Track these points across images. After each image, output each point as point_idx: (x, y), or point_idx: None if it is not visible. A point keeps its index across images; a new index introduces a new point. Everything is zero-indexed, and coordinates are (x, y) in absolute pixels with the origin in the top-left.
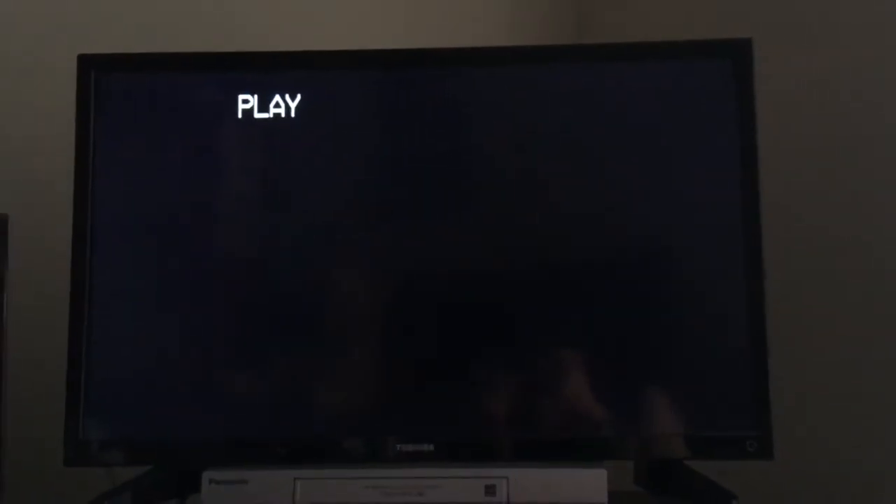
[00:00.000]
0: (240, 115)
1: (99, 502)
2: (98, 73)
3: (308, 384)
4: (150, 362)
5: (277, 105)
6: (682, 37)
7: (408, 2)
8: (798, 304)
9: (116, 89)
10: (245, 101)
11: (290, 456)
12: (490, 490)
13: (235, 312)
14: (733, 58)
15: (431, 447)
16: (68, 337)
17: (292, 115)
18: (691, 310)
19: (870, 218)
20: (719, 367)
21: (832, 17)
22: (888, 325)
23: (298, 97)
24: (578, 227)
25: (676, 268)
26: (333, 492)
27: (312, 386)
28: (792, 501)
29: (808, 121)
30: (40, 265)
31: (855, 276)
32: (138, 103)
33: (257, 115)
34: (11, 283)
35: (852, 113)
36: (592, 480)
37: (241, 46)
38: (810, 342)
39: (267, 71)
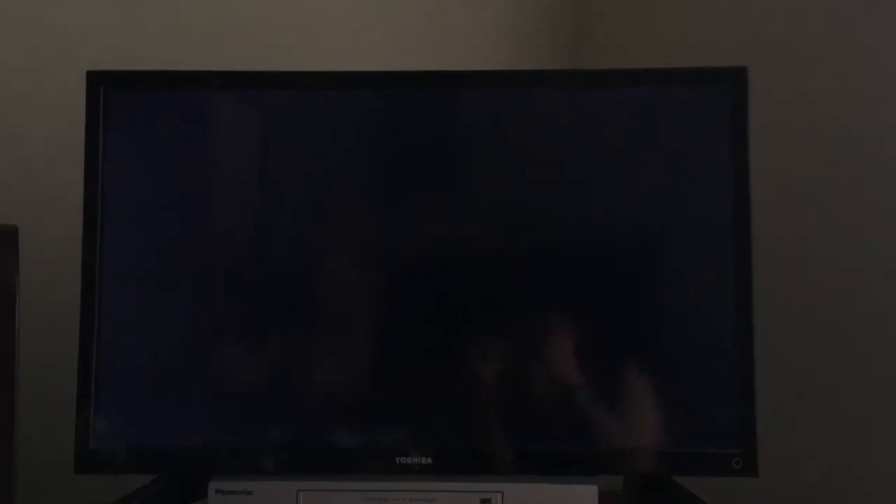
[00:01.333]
0: (242, 129)
1: None
2: (107, 89)
3: (313, 398)
4: (159, 372)
5: (279, 121)
6: (679, 60)
7: (407, 25)
8: (785, 320)
9: (124, 104)
10: (247, 117)
11: (294, 467)
12: (486, 503)
13: (241, 322)
14: (729, 85)
15: (430, 460)
16: (79, 347)
17: (292, 130)
18: (681, 328)
19: (861, 237)
20: (706, 384)
21: (830, 39)
22: (876, 341)
23: (299, 114)
24: (569, 248)
25: (666, 287)
26: (335, 503)
27: (317, 400)
28: None
29: (802, 137)
30: (49, 276)
31: (844, 292)
32: (145, 118)
33: (260, 130)
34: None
35: (846, 127)
36: (584, 496)
37: (245, 66)
38: (797, 359)
39: (269, 89)
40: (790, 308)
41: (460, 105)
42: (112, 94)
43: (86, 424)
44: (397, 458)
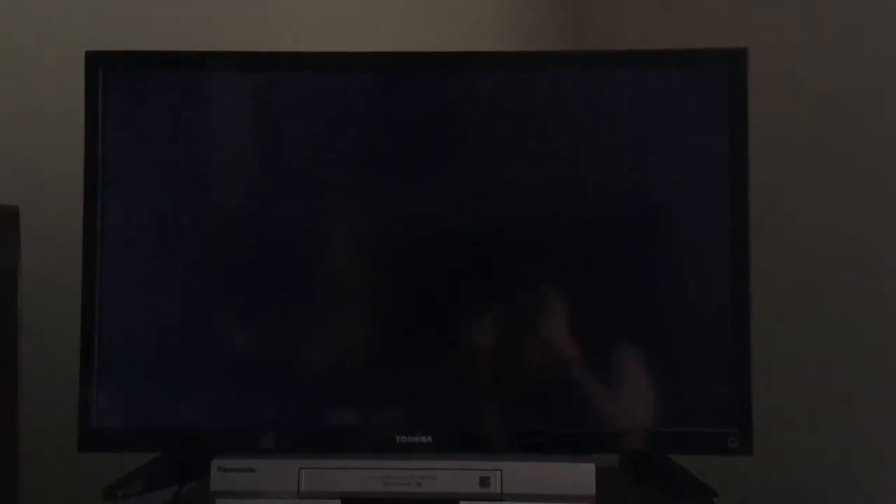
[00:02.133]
0: (238, 108)
1: (113, 490)
2: (105, 70)
3: (314, 377)
4: (161, 351)
5: (279, 100)
6: (679, 43)
7: (406, 5)
8: (781, 301)
9: (122, 84)
10: (247, 97)
11: (296, 445)
12: (484, 482)
13: (241, 301)
14: (728, 67)
15: (430, 439)
16: (80, 326)
17: (292, 108)
18: (677, 308)
19: (860, 218)
20: (702, 364)
21: (828, 23)
22: (872, 324)
23: (296, 94)
24: (566, 228)
25: (663, 266)
26: (336, 481)
27: (318, 379)
28: (770, 499)
29: (804, 123)
30: (50, 257)
31: (841, 276)
32: (143, 97)
33: (256, 109)
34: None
35: (847, 116)
36: (581, 474)
37: (242, 46)
38: (792, 340)
39: (266, 70)
40: (788, 292)
41: (459, 86)
42: (110, 75)
43: (88, 403)
44: (397, 437)
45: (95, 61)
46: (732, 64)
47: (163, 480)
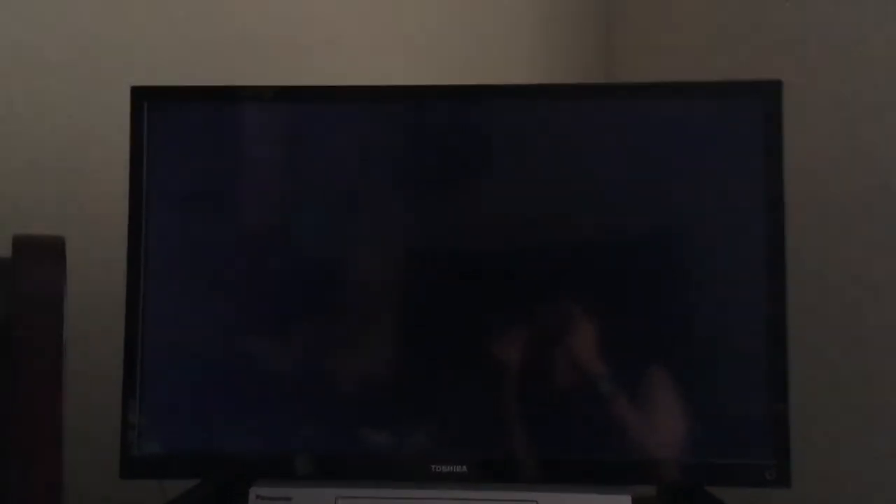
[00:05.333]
0: (276, 138)
1: None
2: (150, 104)
3: (351, 407)
4: (203, 379)
5: (311, 129)
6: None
7: (439, 37)
8: (817, 331)
9: (167, 118)
10: (281, 126)
11: (332, 473)
12: None
13: (281, 325)
14: (763, 99)
15: (464, 469)
16: (123, 356)
17: (324, 136)
18: (714, 340)
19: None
20: (739, 395)
21: (861, 54)
22: None
23: (331, 126)
24: (602, 259)
25: (698, 295)
26: None
27: (354, 408)
28: None
29: (835, 152)
30: (93, 289)
31: (877, 308)
32: (185, 130)
33: (292, 137)
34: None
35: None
36: None
37: (277, 80)
38: (828, 369)
39: (301, 102)
40: (823, 322)
41: (489, 120)
42: (154, 109)
43: (130, 430)
44: (432, 466)
45: (140, 96)
46: (767, 96)
47: None
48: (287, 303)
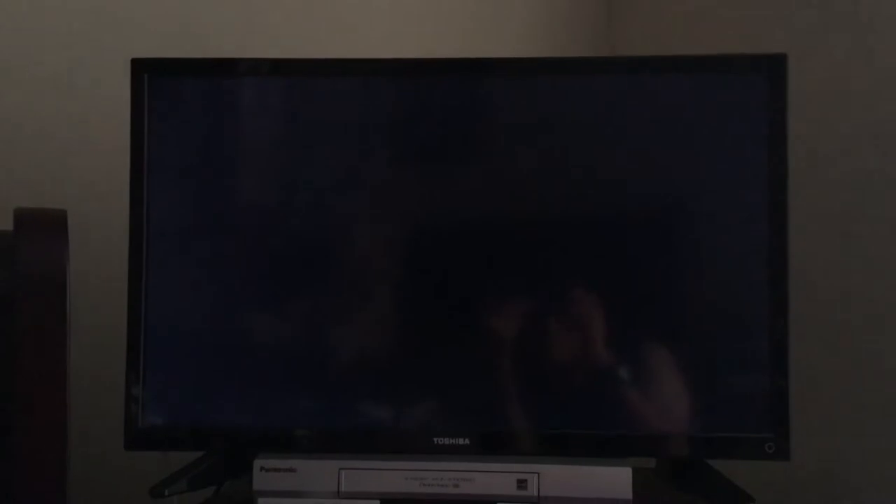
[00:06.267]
0: (275, 111)
1: (160, 489)
2: (150, 76)
3: (354, 379)
4: (205, 351)
5: (311, 102)
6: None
7: (438, 10)
8: (816, 305)
9: (166, 90)
10: (280, 99)
11: (336, 445)
12: (521, 484)
13: (283, 298)
14: (768, 72)
15: (467, 441)
16: (126, 327)
17: (324, 109)
18: (715, 312)
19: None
20: (739, 368)
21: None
22: None
23: (330, 98)
24: (605, 232)
25: (700, 269)
26: (375, 481)
27: (358, 381)
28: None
29: (839, 126)
30: (96, 260)
31: (875, 279)
32: (186, 102)
33: (292, 110)
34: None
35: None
36: (618, 478)
37: (277, 53)
38: (827, 344)
39: (300, 75)
40: (825, 298)
41: (491, 94)
42: (155, 81)
43: (134, 403)
44: (435, 439)
45: (140, 68)
46: (771, 69)
47: (208, 479)
48: (289, 275)
